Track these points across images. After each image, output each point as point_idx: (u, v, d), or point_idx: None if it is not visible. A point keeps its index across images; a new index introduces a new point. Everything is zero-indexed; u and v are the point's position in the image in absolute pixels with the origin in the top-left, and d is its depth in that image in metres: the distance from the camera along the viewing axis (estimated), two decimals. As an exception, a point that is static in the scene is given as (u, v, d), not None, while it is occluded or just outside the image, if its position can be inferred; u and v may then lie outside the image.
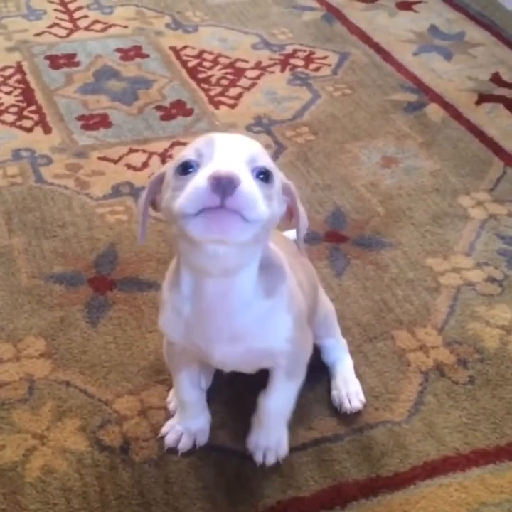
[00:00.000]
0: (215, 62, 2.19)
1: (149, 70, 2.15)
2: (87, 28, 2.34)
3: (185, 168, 0.85)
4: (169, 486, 1.12)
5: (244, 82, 2.10)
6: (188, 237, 0.84)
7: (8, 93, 2.02)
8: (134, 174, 1.74)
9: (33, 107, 1.96)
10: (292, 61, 2.20)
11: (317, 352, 1.27)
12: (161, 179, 0.92)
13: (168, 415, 1.20)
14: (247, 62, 2.19)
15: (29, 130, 1.88)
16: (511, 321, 1.40)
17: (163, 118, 1.95)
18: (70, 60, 2.18)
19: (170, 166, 0.89)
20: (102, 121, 1.92)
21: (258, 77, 2.13)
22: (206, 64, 2.18)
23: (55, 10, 2.43)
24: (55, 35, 2.30)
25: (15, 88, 2.04)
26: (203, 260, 0.88)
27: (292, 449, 1.17)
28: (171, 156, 1.78)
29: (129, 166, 1.77)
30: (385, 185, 1.73)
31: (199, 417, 1.17)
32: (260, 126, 1.92)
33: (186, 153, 0.86)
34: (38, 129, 1.88)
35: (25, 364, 1.29)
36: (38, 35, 2.29)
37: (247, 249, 0.88)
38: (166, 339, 1.10)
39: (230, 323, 0.96)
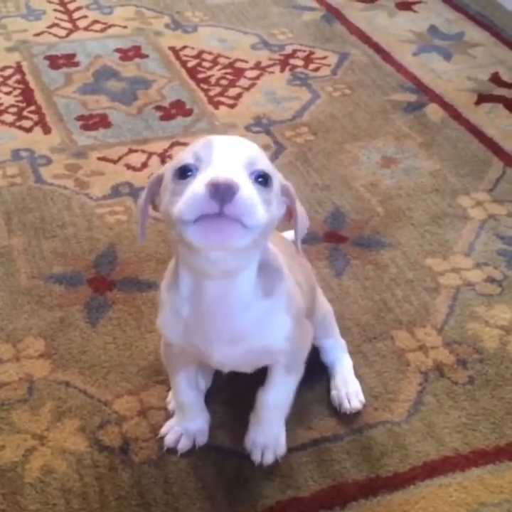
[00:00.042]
0: (215, 62, 2.19)
1: (149, 70, 2.15)
2: (86, 28, 2.34)
3: (184, 172, 0.84)
4: (169, 486, 1.12)
5: (243, 82, 2.10)
6: (187, 243, 0.84)
7: (8, 93, 2.02)
8: (134, 174, 1.74)
9: (32, 107, 1.96)
10: (292, 61, 2.20)
11: (316, 352, 1.28)
12: (160, 180, 0.91)
13: (168, 415, 1.20)
14: (246, 62, 2.19)
15: (28, 130, 1.88)
16: (511, 321, 1.40)
17: (162, 118, 1.95)
18: (70, 60, 2.18)
19: (169, 168, 0.89)
20: (102, 122, 1.92)
21: (257, 78, 2.13)
22: (206, 64, 2.18)
23: (55, 10, 2.43)
24: (55, 35, 2.30)
25: (14, 88, 2.04)
26: (203, 264, 0.88)
27: (292, 449, 1.17)
28: (170, 157, 1.78)
29: (128, 166, 1.77)
30: (385, 186, 1.74)
31: (198, 418, 1.17)
32: (260, 127, 1.92)
33: (184, 157, 0.86)
34: (38, 129, 1.88)
35: (25, 364, 1.29)
36: (37, 35, 2.29)
37: (246, 253, 0.88)
38: (163, 340, 1.10)
39: (229, 324, 0.96)
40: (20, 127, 1.89)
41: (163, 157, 1.80)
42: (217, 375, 1.23)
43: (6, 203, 1.64)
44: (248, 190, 0.81)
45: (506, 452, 1.18)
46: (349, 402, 1.22)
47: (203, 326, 0.97)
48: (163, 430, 1.18)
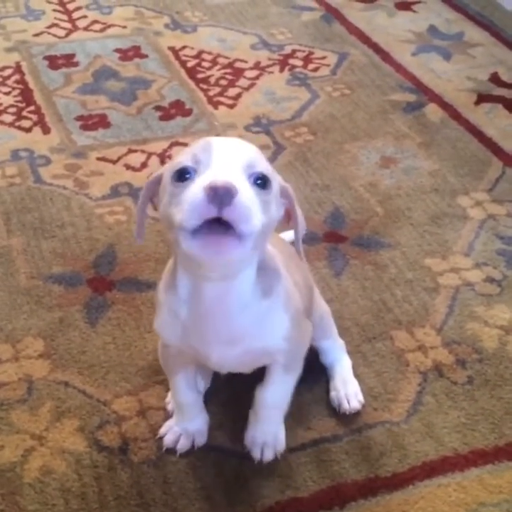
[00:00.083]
0: (214, 62, 2.19)
1: (148, 70, 2.15)
2: (85, 29, 2.34)
3: (182, 175, 0.84)
4: (168, 486, 1.12)
5: (243, 82, 2.10)
6: (185, 252, 0.84)
7: (7, 93, 2.02)
8: (133, 174, 1.74)
9: (31, 108, 1.96)
10: (291, 61, 2.20)
11: (315, 353, 1.28)
12: (158, 180, 0.91)
13: (167, 416, 1.20)
14: (246, 62, 2.19)
15: (28, 130, 1.88)
16: (510, 321, 1.40)
17: (162, 118, 1.95)
18: (69, 60, 2.18)
19: (167, 169, 0.89)
20: (101, 122, 1.92)
21: (257, 78, 2.13)
22: (205, 64, 2.18)
23: (54, 10, 2.43)
24: (54, 35, 2.30)
25: (14, 88, 2.04)
26: (201, 267, 0.88)
27: (291, 450, 1.17)
28: (169, 157, 1.78)
29: (127, 167, 1.77)
30: (384, 186, 1.74)
31: (197, 418, 1.17)
32: (259, 127, 1.92)
33: (183, 159, 0.85)
34: (37, 130, 1.88)
35: (24, 364, 1.29)
36: (36, 35, 2.29)
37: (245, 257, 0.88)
38: (161, 341, 1.09)
39: (227, 325, 0.96)
40: (20, 127, 1.89)
41: (163, 157, 1.80)
42: (216, 375, 1.23)
43: (5, 203, 1.64)
44: (247, 194, 0.81)
45: (505, 452, 1.18)
46: (348, 403, 1.22)
47: (201, 328, 0.97)
48: (162, 430, 1.18)
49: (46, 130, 1.88)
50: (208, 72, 2.14)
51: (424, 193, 1.72)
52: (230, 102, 2.02)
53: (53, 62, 2.16)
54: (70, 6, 2.46)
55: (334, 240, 1.57)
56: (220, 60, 2.20)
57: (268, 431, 1.14)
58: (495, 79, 2.14)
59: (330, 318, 1.29)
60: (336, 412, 1.23)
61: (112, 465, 1.14)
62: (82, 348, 1.32)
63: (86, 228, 1.58)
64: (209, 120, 1.95)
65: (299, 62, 2.20)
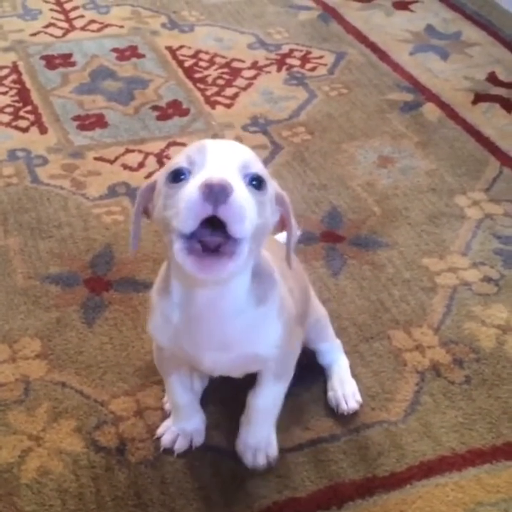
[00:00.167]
0: (211, 62, 2.19)
1: (145, 69, 2.14)
2: (83, 28, 2.34)
3: (177, 176, 0.84)
4: (165, 486, 1.12)
5: (240, 81, 2.10)
6: (178, 263, 0.83)
7: (4, 93, 2.02)
8: (130, 174, 1.74)
9: (28, 107, 1.96)
10: (288, 61, 2.20)
11: (313, 353, 1.27)
12: (152, 188, 0.91)
13: (165, 416, 1.20)
14: (243, 61, 2.19)
15: (25, 130, 1.88)
16: (507, 321, 1.40)
17: (159, 118, 1.94)
18: (66, 60, 2.17)
19: (161, 174, 0.89)
20: (98, 122, 1.92)
21: (254, 77, 2.12)
22: (202, 64, 2.18)
23: (51, 10, 2.43)
24: (51, 35, 2.29)
25: (10, 88, 2.04)
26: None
27: (288, 450, 1.17)
28: (167, 156, 1.78)
29: (125, 166, 1.77)
30: (382, 185, 1.73)
31: (193, 419, 1.16)
32: (256, 126, 1.92)
33: (178, 161, 0.85)
34: (34, 130, 1.88)
35: (21, 365, 1.29)
36: (33, 35, 2.29)
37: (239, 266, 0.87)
38: (155, 343, 1.09)
39: (220, 330, 0.95)
40: (17, 127, 1.89)
41: (160, 157, 1.79)
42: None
43: (2, 203, 1.64)
44: (242, 193, 0.81)
45: (503, 452, 1.18)
46: (346, 403, 1.22)
47: (194, 332, 0.96)
48: (159, 431, 1.18)
49: (43, 130, 1.88)
50: (205, 72, 2.14)
51: (422, 192, 1.72)
52: (228, 101, 2.02)
53: (50, 61, 2.16)
54: (67, 6, 2.45)
55: (332, 240, 1.57)
56: (218, 60, 2.20)
57: (260, 436, 1.14)
58: (492, 78, 2.15)
59: (326, 320, 1.28)
60: (333, 412, 1.22)
61: (110, 465, 1.14)
62: (79, 349, 1.32)
63: (83, 228, 1.58)
64: (206, 120, 1.94)
65: (297, 62, 2.20)
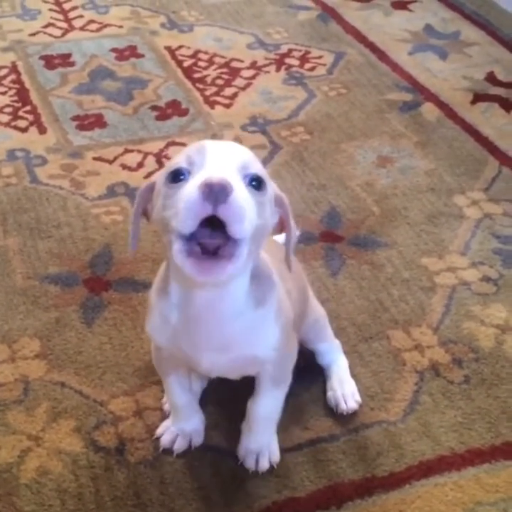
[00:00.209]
0: (211, 61, 2.19)
1: (144, 69, 2.14)
2: (82, 28, 2.34)
3: (176, 176, 0.84)
4: (165, 486, 1.12)
5: (239, 81, 2.10)
6: (177, 264, 0.83)
7: (3, 93, 2.02)
8: (129, 174, 1.74)
9: (27, 107, 1.96)
10: (287, 61, 2.20)
11: (312, 353, 1.28)
12: (151, 188, 0.91)
13: (164, 416, 1.20)
14: (242, 61, 2.19)
15: (24, 130, 1.88)
16: (506, 320, 1.40)
17: (158, 118, 1.94)
18: (65, 60, 2.17)
19: (161, 175, 0.89)
20: (97, 122, 1.92)
21: (253, 77, 2.12)
22: (201, 64, 2.18)
23: (50, 10, 2.42)
24: (50, 35, 2.29)
25: (10, 88, 2.04)
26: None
27: (288, 450, 1.17)
28: (166, 156, 1.78)
29: (124, 167, 1.77)
30: (381, 185, 1.74)
31: (192, 419, 1.17)
32: (255, 126, 1.92)
33: (177, 161, 0.85)
34: (33, 130, 1.88)
35: (21, 365, 1.29)
36: (32, 35, 2.29)
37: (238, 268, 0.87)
38: (153, 344, 1.09)
39: (219, 332, 0.95)
40: (16, 127, 1.89)
41: (159, 157, 1.79)
42: (213, 375, 1.23)
43: (2, 204, 1.64)
44: (242, 193, 0.80)
45: (502, 451, 1.18)
46: (346, 403, 1.22)
47: (192, 333, 0.96)
48: (159, 431, 1.18)
49: (42, 130, 1.88)
50: (205, 72, 2.14)
51: (421, 192, 1.72)
52: (227, 101, 2.02)
53: (49, 61, 2.16)
54: (66, 6, 2.45)
55: (331, 240, 1.57)
56: (217, 60, 2.20)
57: (261, 442, 1.14)
58: (491, 78, 2.15)
59: (325, 320, 1.28)
60: (332, 412, 1.23)
61: (109, 465, 1.14)
62: (79, 349, 1.32)
63: (82, 228, 1.58)
64: (205, 120, 1.94)
65: (296, 62, 2.20)
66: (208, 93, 2.05)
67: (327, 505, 1.10)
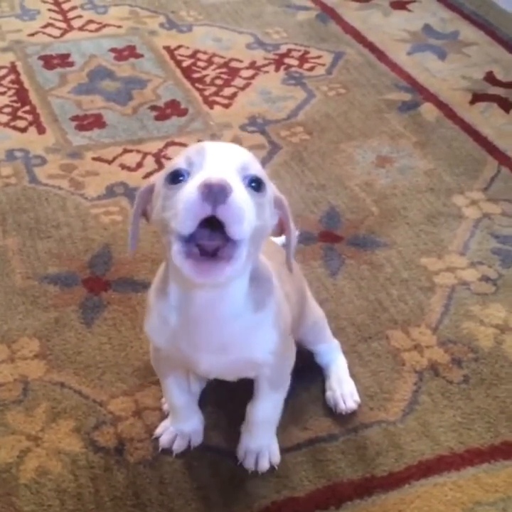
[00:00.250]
0: (210, 61, 2.19)
1: (143, 69, 2.14)
2: (81, 28, 2.34)
3: (176, 177, 0.84)
4: (164, 486, 1.12)
5: (238, 81, 2.10)
6: (176, 265, 0.83)
7: (2, 93, 2.01)
8: (129, 174, 1.74)
9: (27, 108, 1.96)
10: (286, 61, 2.20)
11: (311, 353, 1.28)
12: (151, 189, 0.91)
13: (163, 416, 1.20)
14: (241, 61, 2.19)
15: (23, 130, 1.88)
16: (505, 320, 1.40)
17: (157, 118, 1.94)
18: (64, 60, 2.17)
19: (160, 176, 0.89)
20: (96, 122, 1.92)
21: (252, 77, 2.12)
22: (200, 64, 2.18)
23: (49, 10, 2.42)
24: (49, 35, 2.29)
25: (9, 88, 2.04)
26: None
27: (287, 449, 1.17)
28: (165, 156, 1.78)
29: (123, 167, 1.77)
30: (380, 185, 1.74)
31: (191, 420, 1.17)
32: (255, 126, 1.92)
33: (177, 162, 0.85)
34: (32, 130, 1.88)
35: (20, 365, 1.29)
36: (31, 35, 2.29)
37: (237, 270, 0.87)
38: (152, 344, 1.09)
39: (218, 333, 0.95)
40: (15, 127, 1.89)
41: (158, 157, 1.79)
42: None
43: (1, 204, 1.64)
44: (241, 194, 0.80)
45: (501, 451, 1.18)
46: (344, 403, 1.22)
47: (191, 334, 0.96)
48: (158, 431, 1.18)
49: (41, 130, 1.88)
50: (204, 72, 2.14)
51: (420, 192, 1.72)
52: (226, 101, 2.02)
53: (48, 62, 2.16)
54: (65, 6, 2.45)
55: (330, 240, 1.57)
56: (216, 60, 2.20)
57: (261, 443, 1.14)
58: (490, 78, 2.15)
59: (324, 322, 1.28)
60: (332, 412, 1.23)
61: (108, 465, 1.14)
62: (78, 349, 1.32)
63: (81, 228, 1.58)
64: (204, 120, 1.94)
65: (295, 62, 2.20)
66: (207, 93, 2.05)
67: (326, 505, 1.10)
